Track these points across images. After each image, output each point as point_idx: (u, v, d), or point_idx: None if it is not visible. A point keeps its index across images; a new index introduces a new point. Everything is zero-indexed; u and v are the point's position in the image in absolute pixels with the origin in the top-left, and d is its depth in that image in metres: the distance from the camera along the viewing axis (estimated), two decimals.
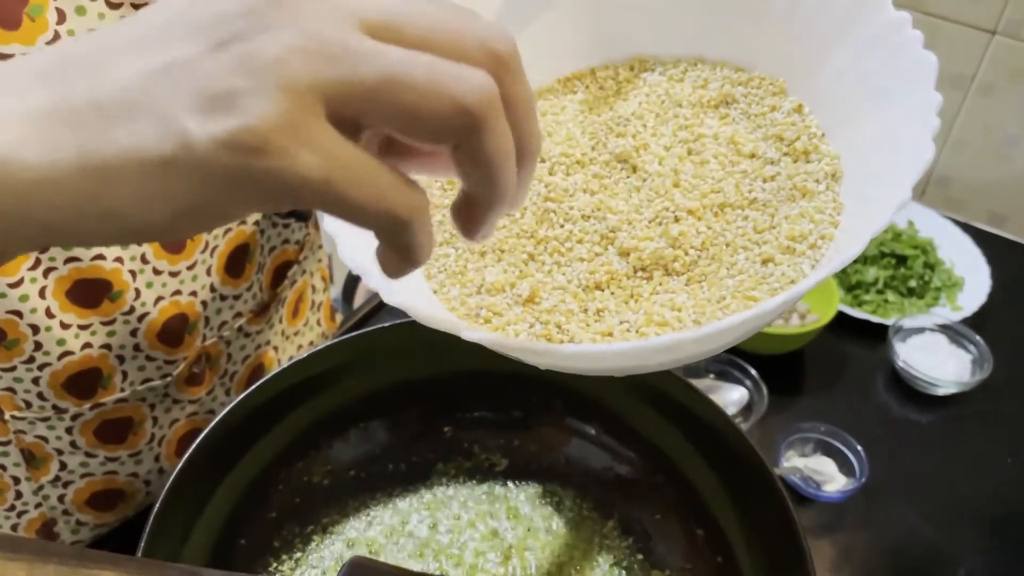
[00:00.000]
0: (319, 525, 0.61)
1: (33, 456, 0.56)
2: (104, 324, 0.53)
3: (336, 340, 0.60)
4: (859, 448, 0.75)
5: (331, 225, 0.35)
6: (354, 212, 0.23)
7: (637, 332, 0.39)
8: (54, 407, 0.54)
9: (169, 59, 0.23)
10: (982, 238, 1.01)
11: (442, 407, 0.63)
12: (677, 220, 0.42)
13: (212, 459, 0.54)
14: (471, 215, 0.27)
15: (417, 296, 0.41)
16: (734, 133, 0.45)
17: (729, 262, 0.41)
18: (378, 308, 0.90)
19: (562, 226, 0.43)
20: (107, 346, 0.54)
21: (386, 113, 0.23)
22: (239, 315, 0.62)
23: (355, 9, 0.23)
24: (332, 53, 0.22)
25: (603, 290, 0.41)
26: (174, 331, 0.57)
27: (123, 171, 0.23)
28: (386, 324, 0.61)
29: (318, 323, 0.74)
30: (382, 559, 0.58)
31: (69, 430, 0.56)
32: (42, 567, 0.42)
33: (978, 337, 0.86)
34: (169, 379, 0.59)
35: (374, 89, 0.23)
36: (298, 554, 0.60)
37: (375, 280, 0.35)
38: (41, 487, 0.58)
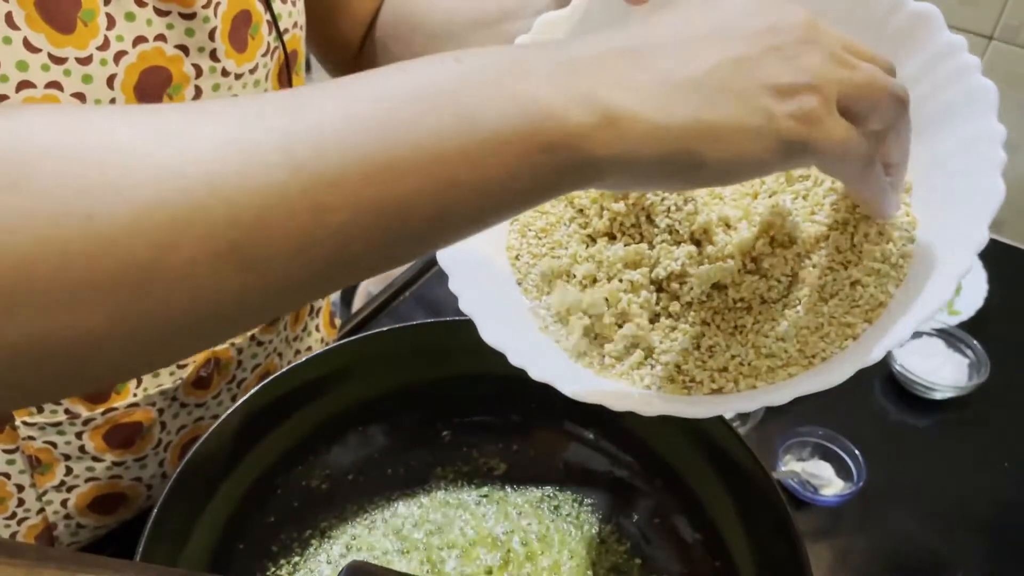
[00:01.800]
0: (317, 529, 0.61)
1: (39, 462, 0.56)
2: None
3: (335, 344, 0.60)
4: (857, 452, 0.75)
5: (468, 307, 0.43)
6: (840, 164, 0.35)
7: (750, 365, 0.42)
8: (67, 411, 0.54)
9: (737, 55, 0.32)
10: None
11: (441, 411, 0.63)
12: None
13: (211, 463, 0.55)
14: (893, 183, 0.39)
15: (560, 369, 0.44)
16: None
17: (818, 285, 0.43)
18: (376, 312, 0.90)
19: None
20: None
21: (864, 101, 0.34)
22: None
23: (842, 43, 0.35)
24: (842, 65, 0.34)
25: (709, 324, 0.44)
26: None
27: (724, 132, 0.31)
28: (384, 328, 0.62)
29: (317, 329, 0.75)
30: (381, 563, 0.58)
31: (79, 435, 0.56)
32: (40, 572, 0.42)
33: (975, 341, 0.86)
34: (179, 382, 0.59)
35: (861, 87, 0.34)
36: (296, 558, 0.60)
37: (516, 358, 0.42)
38: (45, 492, 0.58)
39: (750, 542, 0.54)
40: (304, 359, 0.59)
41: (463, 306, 0.43)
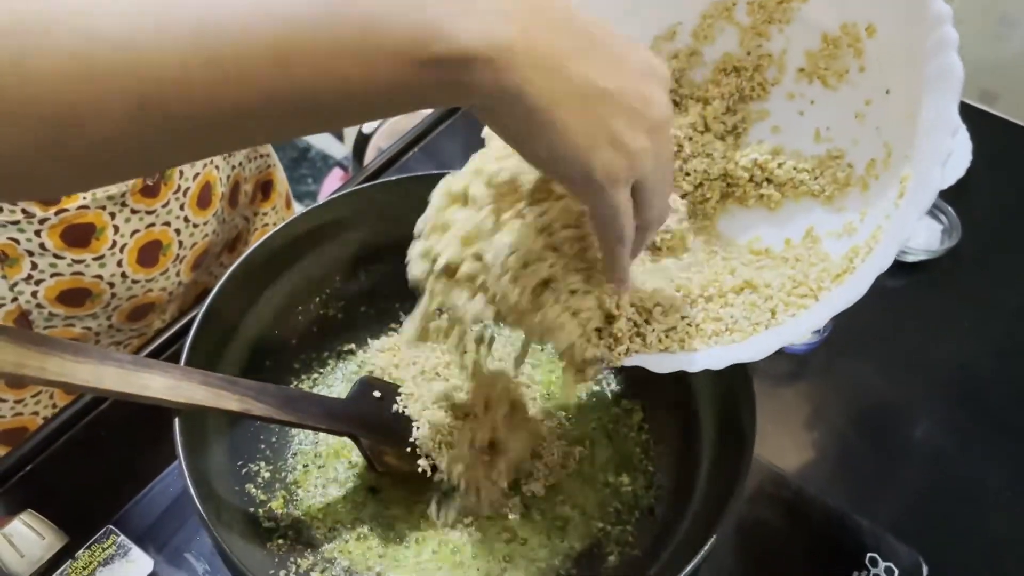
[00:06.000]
0: (334, 352, 0.68)
1: (7, 256, 0.63)
2: None
3: (348, 190, 0.65)
4: None
5: None
6: (605, 223, 0.41)
7: (697, 328, 0.49)
8: (23, 211, 0.61)
9: (615, 90, 0.37)
10: (970, 113, 1.01)
11: None
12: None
13: (238, 292, 0.61)
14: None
15: None
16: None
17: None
18: (386, 165, 0.94)
19: None
20: None
21: (646, 196, 0.41)
22: None
23: (670, 151, 0.41)
24: (658, 162, 0.40)
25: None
26: None
27: (560, 136, 0.37)
28: (395, 177, 0.67)
29: None
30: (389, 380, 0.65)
31: (38, 233, 0.63)
32: (104, 369, 0.48)
33: (949, 208, 0.87)
34: (125, 189, 0.65)
35: (655, 187, 0.41)
36: (316, 375, 0.67)
37: None
38: (15, 284, 0.65)
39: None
40: (319, 203, 0.64)
41: None
